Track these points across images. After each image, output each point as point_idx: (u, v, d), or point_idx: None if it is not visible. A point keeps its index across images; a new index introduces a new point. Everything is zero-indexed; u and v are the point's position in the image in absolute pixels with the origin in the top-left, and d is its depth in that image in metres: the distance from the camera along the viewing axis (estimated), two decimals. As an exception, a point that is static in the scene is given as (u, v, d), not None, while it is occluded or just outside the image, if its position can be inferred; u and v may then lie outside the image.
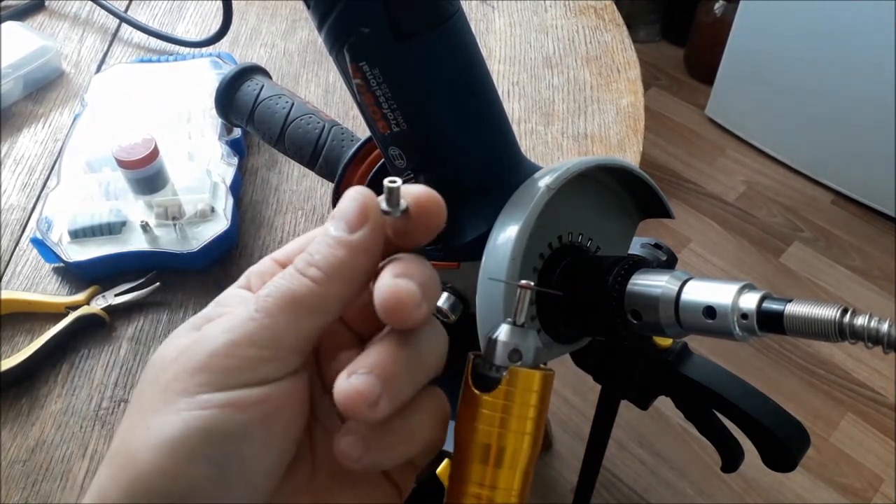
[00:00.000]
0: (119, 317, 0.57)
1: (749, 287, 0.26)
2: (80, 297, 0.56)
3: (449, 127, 0.34)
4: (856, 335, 0.23)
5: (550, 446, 1.33)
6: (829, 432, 1.37)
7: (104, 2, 0.80)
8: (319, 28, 0.33)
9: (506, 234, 0.31)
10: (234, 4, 0.72)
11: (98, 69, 0.77)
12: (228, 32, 0.73)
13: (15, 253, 0.61)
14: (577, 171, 0.32)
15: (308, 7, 0.33)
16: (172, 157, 0.61)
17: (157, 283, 0.57)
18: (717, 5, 1.88)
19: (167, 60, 0.73)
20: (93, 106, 0.67)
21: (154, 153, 0.57)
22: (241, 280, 0.27)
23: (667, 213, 0.37)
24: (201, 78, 0.69)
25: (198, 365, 0.22)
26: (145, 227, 0.57)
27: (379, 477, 0.26)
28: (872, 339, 0.23)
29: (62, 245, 0.57)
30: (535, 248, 0.33)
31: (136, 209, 0.59)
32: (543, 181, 0.32)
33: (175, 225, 0.58)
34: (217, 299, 0.26)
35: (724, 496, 1.29)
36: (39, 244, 0.57)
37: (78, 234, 0.57)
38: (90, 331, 0.56)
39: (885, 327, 0.22)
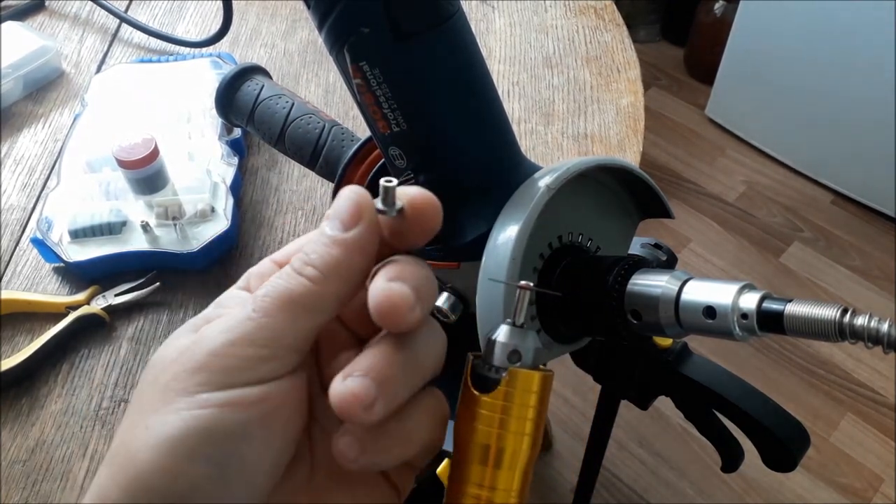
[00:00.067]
0: (119, 317, 0.57)
1: (749, 287, 0.26)
2: (81, 297, 0.56)
3: (449, 127, 0.34)
4: (856, 335, 0.23)
5: (550, 446, 1.33)
6: (829, 432, 1.37)
7: (104, 2, 0.80)
8: (319, 28, 0.33)
9: (506, 234, 0.31)
10: (234, 4, 0.72)
11: (98, 69, 0.77)
12: (228, 32, 0.73)
13: (15, 253, 0.61)
14: (577, 171, 0.32)
15: (308, 7, 0.33)
16: (172, 157, 0.61)
17: (157, 283, 0.57)
18: (717, 5, 1.88)
19: (167, 60, 0.73)
20: (93, 106, 0.67)
21: (154, 153, 0.57)
22: (241, 281, 0.27)
23: (667, 213, 0.37)
24: (201, 78, 0.69)
25: (197, 365, 0.22)
26: (145, 227, 0.57)
27: (377, 477, 0.26)
28: (872, 339, 0.23)
29: (62, 245, 0.57)
30: (535, 248, 0.33)
31: (136, 209, 0.59)
32: (543, 181, 0.32)
33: (175, 225, 0.58)
34: (217, 301, 0.26)
35: (724, 496, 1.29)
36: (39, 244, 0.57)
37: (78, 234, 0.57)
38: (90, 331, 0.56)
39: (885, 327, 0.22)
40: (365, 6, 0.31)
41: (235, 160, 0.63)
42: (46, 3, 0.84)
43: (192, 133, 0.65)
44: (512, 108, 0.71)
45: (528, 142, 0.68)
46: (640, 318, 0.29)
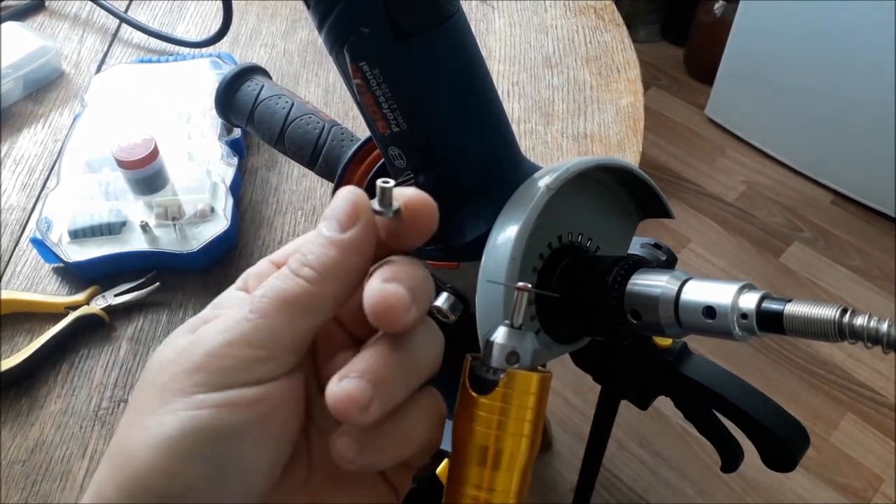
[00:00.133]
0: (119, 317, 0.57)
1: (749, 287, 0.26)
2: (80, 297, 0.56)
3: (449, 127, 0.34)
4: (855, 335, 0.23)
5: (550, 446, 1.33)
6: (829, 432, 1.37)
7: (104, 2, 0.80)
8: (319, 28, 0.33)
9: (505, 234, 0.31)
10: (234, 4, 0.72)
11: (98, 69, 0.77)
12: (228, 33, 0.73)
13: (15, 253, 0.61)
14: (577, 171, 0.32)
15: (308, 7, 0.33)
16: (172, 158, 0.61)
17: (157, 283, 0.57)
18: (717, 5, 1.88)
19: (167, 61, 0.73)
20: (93, 106, 0.67)
21: (154, 153, 0.57)
22: (239, 282, 0.27)
23: (667, 213, 0.37)
24: (201, 78, 0.69)
25: (194, 365, 0.22)
26: (145, 228, 0.57)
27: (375, 477, 0.26)
28: (872, 339, 0.23)
29: (62, 245, 0.57)
30: (534, 248, 0.33)
31: (135, 209, 0.59)
32: (543, 181, 0.32)
33: (175, 225, 0.58)
34: (214, 301, 0.26)
35: (724, 496, 1.29)
36: (39, 244, 0.57)
37: (78, 235, 0.57)
38: (90, 331, 0.56)
39: (884, 327, 0.22)
40: (365, 6, 0.31)
41: (235, 160, 0.63)
42: (46, 3, 0.84)
43: (192, 133, 0.65)
44: (512, 108, 0.71)
45: (528, 142, 0.68)
46: (640, 318, 0.29)
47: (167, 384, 0.22)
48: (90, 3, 0.82)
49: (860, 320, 0.23)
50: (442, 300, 0.36)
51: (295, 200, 0.65)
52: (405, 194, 0.25)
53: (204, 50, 0.76)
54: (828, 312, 0.24)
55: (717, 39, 1.81)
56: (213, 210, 0.59)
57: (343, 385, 0.22)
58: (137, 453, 0.22)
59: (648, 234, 0.42)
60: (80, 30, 0.81)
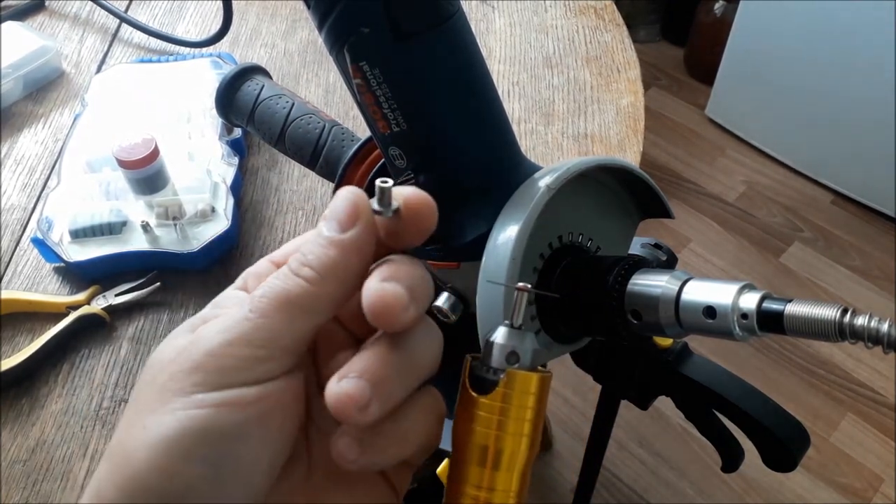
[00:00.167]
0: (119, 317, 0.57)
1: (749, 287, 0.26)
2: (81, 296, 0.56)
3: (449, 127, 0.34)
4: (856, 335, 0.23)
5: (550, 446, 1.33)
6: (829, 432, 1.37)
7: (104, 2, 0.80)
8: (319, 28, 0.33)
9: (506, 234, 0.31)
10: (234, 4, 0.72)
11: (98, 69, 0.77)
12: (228, 32, 0.73)
13: (15, 253, 0.61)
14: (578, 171, 0.32)
15: (308, 7, 0.33)
16: (173, 157, 0.61)
17: (158, 283, 0.57)
18: (717, 5, 1.88)
19: (167, 60, 0.73)
20: (93, 106, 0.67)
21: (154, 153, 0.57)
22: (238, 281, 0.27)
23: (667, 213, 0.37)
24: (201, 78, 0.69)
25: (193, 365, 0.22)
26: (146, 227, 0.57)
27: (375, 476, 0.26)
28: (872, 339, 0.23)
29: (63, 245, 0.57)
30: (535, 248, 0.33)
31: (136, 209, 0.59)
32: (543, 181, 0.32)
33: (175, 225, 0.58)
34: (214, 301, 0.26)
35: (724, 496, 1.29)
36: (40, 244, 0.57)
37: (78, 234, 0.57)
38: (90, 331, 0.56)
39: (885, 327, 0.22)
40: (365, 6, 0.31)
41: (236, 160, 0.63)
42: (46, 3, 0.84)
43: (193, 133, 0.65)
44: (512, 108, 0.71)
45: (528, 142, 0.68)
46: (640, 318, 0.29)
47: (166, 384, 0.22)
48: (90, 2, 0.82)
49: (860, 320, 0.23)
50: (442, 300, 0.36)
51: (295, 200, 0.65)
52: (404, 193, 0.25)
53: (204, 50, 0.76)
54: (828, 312, 0.24)
55: (718, 39, 1.81)
56: (213, 210, 0.59)
57: (342, 385, 0.22)
58: (136, 453, 0.22)
59: (648, 234, 0.42)
60: (80, 30, 0.81)
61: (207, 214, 0.58)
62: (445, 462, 0.37)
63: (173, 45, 0.78)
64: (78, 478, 0.49)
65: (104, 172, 0.61)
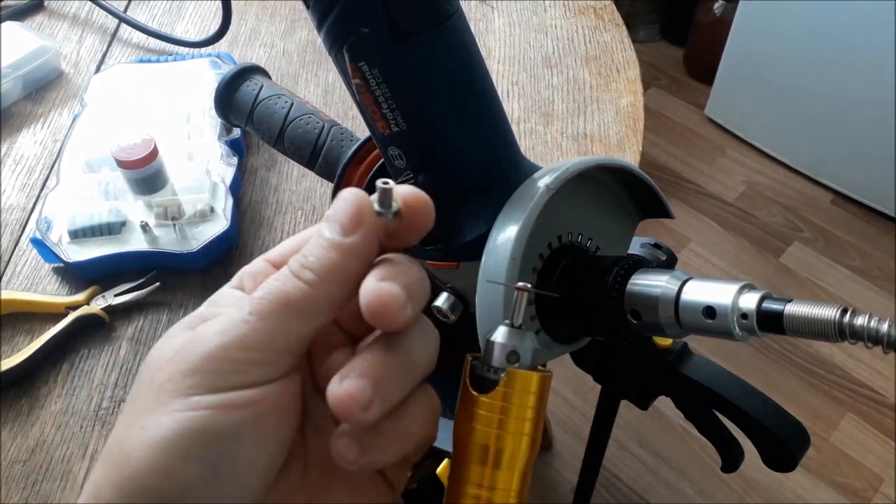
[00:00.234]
0: (119, 317, 0.57)
1: (749, 287, 0.26)
2: (80, 297, 0.56)
3: (448, 127, 0.34)
4: (856, 335, 0.23)
5: (550, 446, 1.33)
6: (829, 432, 1.37)
7: (103, 2, 0.80)
8: (319, 28, 0.33)
9: (505, 235, 0.31)
10: (234, 4, 0.72)
11: (97, 69, 0.77)
12: (228, 32, 0.73)
13: (15, 253, 0.61)
14: (577, 171, 0.32)
15: (307, 7, 0.33)
16: (172, 157, 0.61)
17: (157, 283, 0.57)
18: (716, 5, 1.88)
19: (166, 60, 0.73)
20: (92, 106, 0.67)
21: (153, 153, 0.57)
22: (234, 280, 0.27)
23: (667, 213, 0.37)
24: (200, 78, 0.69)
25: (191, 366, 0.22)
26: (145, 227, 0.57)
27: (372, 473, 0.26)
28: (872, 339, 0.23)
29: (62, 245, 0.57)
30: (534, 248, 0.33)
31: (135, 209, 0.59)
32: (543, 181, 0.32)
33: (175, 225, 0.58)
34: (210, 299, 0.26)
35: (724, 496, 1.29)
36: (39, 244, 0.57)
37: (77, 234, 0.57)
38: (90, 331, 0.56)
39: (884, 327, 0.22)
40: (364, 6, 0.31)
41: (235, 160, 0.63)
42: (46, 3, 0.84)
43: (192, 133, 0.65)
44: (511, 108, 0.71)
45: (528, 142, 0.68)
46: (640, 318, 0.29)
47: (164, 384, 0.23)
48: (89, 2, 0.82)
49: (860, 320, 0.23)
50: (442, 300, 0.36)
51: (295, 200, 0.65)
52: (402, 192, 0.25)
53: (203, 50, 0.76)
54: (828, 312, 0.24)
55: (717, 39, 1.81)
56: (212, 210, 0.59)
57: (344, 385, 0.22)
58: (135, 452, 0.22)
59: (648, 234, 0.42)
60: (79, 30, 0.81)
61: (206, 214, 0.58)
62: (445, 462, 0.37)
63: (172, 45, 0.78)
64: (77, 478, 0.49)
65: (103, 172, 0.61)
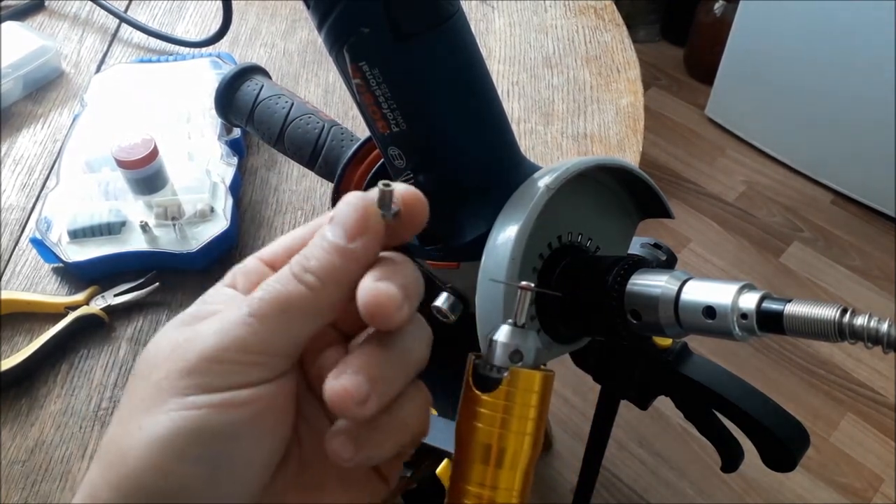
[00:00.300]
0: (118, 317, 0.57)
1: (749, 287, 0.26)
2: (80, 297, 0.56)
3: (448, 127, 0.34)
4: (855, 335, 0.23)
5: (550, 446, 1.33)
6: (829, 432, 1.37)
7: (104, 2, 0.80)
8: (319, 28, 0.33)
9: (505, 235, 0.31)
10: (234, 4, 0.72)
11: (98, 69, 0.77)
12: (228, 32, 0.73)
13: (14, 253, 0.61)
14: (577, 171, 0.32)
15: (308, 7, 0.33)
16: (172, 157, 0.61)
17: (157, 284, 0.57)
18: (716, 5, 1.88)
19: (167, 60, 0.73)
20: (92, 106, 0.67)
21: (153, 153, 0.57)
22: (227, 278, 0.27)
23: (667, 213, 0.37)
24: (201, 78, 0.69)
25: (188, 365, 0.22)
26: (145, 228, 0.57)
27: (367, 470, 0.26)
28: (872, 339, 0.23)
29: (61, 245, 0.57)
30: (534, 248, 0.33)
31: (135, 209, 0.59)
32: (543, 181, 0.32)
33: (174, 225, 0.58)
34: (202, 297, 0.26)
35: (724, 496, 1.29)
36: (39, 244, 0.57)
37: (77, 235, 0.57)
38: (90, 331, 0.56)
39: (884, 327, 0.22)
40: (365, 6, 0.31)
41: (235, 160, 0.63)
42: (46, 3, 0.84)
43: (192, 133, 0.65)
44: (512, 108, 0.71)
45: (528, 142, 0.68)
46: (640, 318, 0.29)
47: (161, 382, 0.23)
48: (90, 2, 0.82)
49: (860, 320, 0.23)
50: (442, 300, 0.36)
51: (295, 200, 0.65)
52: (400, 192, 0.25)
53: (204, 50, 0.76)
54: (828, 312, 0.24)
55: (717, 39, 1.81)
56: (212, 210, 0.59)
57: (341, 381, 0.22)
58: (132, 451, 0.22)
59: (648, 234, 0.42)
60: (79, 29, 0.81)
61: (206, 214, 0.58)
62: (445, 462, 0.37)
63: (173, 45, 0.78)
64: (77, 478, 0.49)
65: (103, 172, 0.61)
